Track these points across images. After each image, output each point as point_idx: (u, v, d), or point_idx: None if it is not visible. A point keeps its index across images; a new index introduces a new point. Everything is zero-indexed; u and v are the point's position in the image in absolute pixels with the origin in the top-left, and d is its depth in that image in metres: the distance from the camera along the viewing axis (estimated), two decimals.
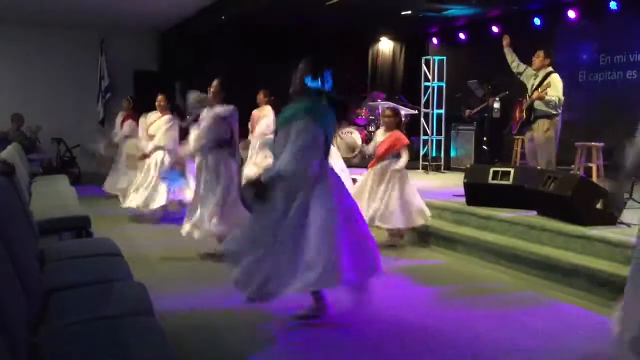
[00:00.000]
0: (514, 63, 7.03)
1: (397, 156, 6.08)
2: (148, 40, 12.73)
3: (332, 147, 4.00)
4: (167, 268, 5.32)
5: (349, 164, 7.14)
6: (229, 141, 5.58)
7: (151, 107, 7.86)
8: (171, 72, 12.03)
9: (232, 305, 4.12)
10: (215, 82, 5.73)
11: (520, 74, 7.01)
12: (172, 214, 7.59)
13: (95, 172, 10.32)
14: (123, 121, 9.41)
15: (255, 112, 8.64)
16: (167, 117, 7.60)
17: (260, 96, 8.67)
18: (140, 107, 8.66)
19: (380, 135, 6.25)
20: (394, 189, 6.03)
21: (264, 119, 8.29)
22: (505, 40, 7.12)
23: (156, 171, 7.45)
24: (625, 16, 8.94)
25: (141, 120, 8.20)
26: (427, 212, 6.19)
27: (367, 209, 5.90)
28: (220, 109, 5.53)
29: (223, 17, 10.34)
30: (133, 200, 7.47)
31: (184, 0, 10.00)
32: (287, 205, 3.67)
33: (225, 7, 9.96)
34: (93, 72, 12.41)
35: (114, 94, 12.00)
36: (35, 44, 12.07)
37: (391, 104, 10.86)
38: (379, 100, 11.35)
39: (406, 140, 6.15)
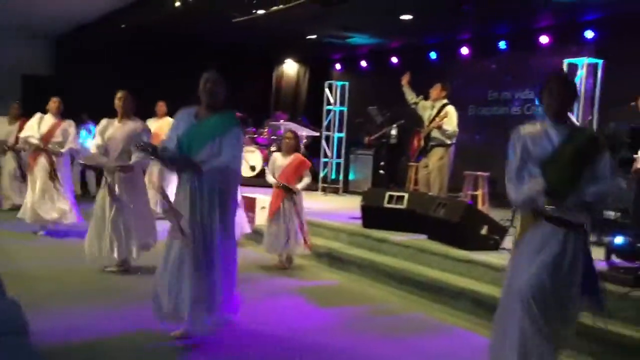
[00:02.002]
0: (412, 100, 7.31)
1: (300, 179, 6.05)
2: (41, 45, 12.10)
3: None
4: (50, 287, 4.96)
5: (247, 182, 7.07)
6: None
7: (42, 112, 7.29)
8: (66, 78, 11.46)
9: (117, 326, 3.95)
10: (123, 94, 5.46)
11: (416, 104, 7.30)
12: (59, 231, 7.11)
13: None
14: (21, 126, 8.77)
15: (154, 124, 8.21)
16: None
17: (162, 107, 8.35)
18: (30, 112, 8.08)
19: (280, 159, 6.10)
20: (293, 213, 5.96)
21: None
22: (405, 79, 7.33)
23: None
24: (513, 56, 9.63)
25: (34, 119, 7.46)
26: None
27: (284, 235, 5.90)
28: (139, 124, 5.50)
29: (123, 26, 10.05)
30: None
31: (82, 6, 9.61)
32: None
33: (125, 16, 9.69)
34: None
35: None
36: None
37: (293, 125, 10.99)
38: (281, 121, 11.44)
39: (309, 163, 6.18)
